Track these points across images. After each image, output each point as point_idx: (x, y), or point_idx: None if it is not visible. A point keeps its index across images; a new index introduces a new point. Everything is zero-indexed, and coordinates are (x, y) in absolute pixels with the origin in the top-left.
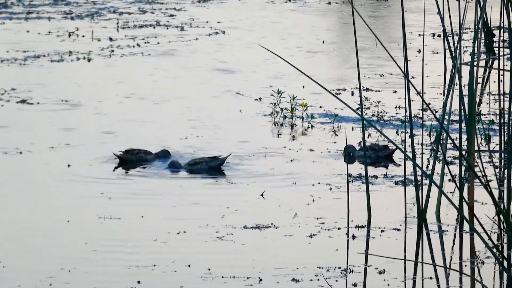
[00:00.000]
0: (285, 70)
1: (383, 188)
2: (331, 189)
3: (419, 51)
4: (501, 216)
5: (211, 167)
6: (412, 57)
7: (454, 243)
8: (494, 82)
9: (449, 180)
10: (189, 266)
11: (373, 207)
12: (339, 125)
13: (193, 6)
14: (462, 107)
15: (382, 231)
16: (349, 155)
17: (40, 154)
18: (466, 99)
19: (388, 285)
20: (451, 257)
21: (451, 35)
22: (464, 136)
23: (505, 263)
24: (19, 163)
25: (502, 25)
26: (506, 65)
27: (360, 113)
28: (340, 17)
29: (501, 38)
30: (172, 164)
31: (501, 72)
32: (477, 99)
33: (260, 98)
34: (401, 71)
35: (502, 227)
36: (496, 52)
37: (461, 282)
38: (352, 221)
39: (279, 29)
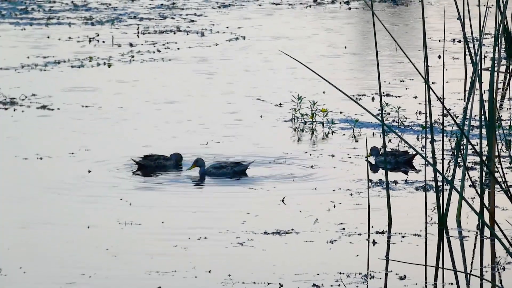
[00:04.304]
0: (305, 75)
1: (404, 194)
2: (351, 194)
3: (439, 57)
4: None
5: (235, 172)
6: (432, 62)
7: (475, 249)
8: None
9: (470, 185)
10: (209, 271)
11: (393, 213)
12: (360, 131)
13: (214, 11)
14: (482, 113)
15: (403, 236)
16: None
17: (60, 159)
18: (486, 105)
19: None
20: (472, 263)
21: (471, 41)
22: (484, 142)
23: None
24: (39, 169)
25: None
26: None
27: (380, 118)
28: (360, 23)
29: None
30: (196, 161)
31: None
32: (498, 105)
33: (280, 104)
34: (421, 77)
35: None
36: None
37: (482, 287)
38: (372, 226)
39: (300, 34)
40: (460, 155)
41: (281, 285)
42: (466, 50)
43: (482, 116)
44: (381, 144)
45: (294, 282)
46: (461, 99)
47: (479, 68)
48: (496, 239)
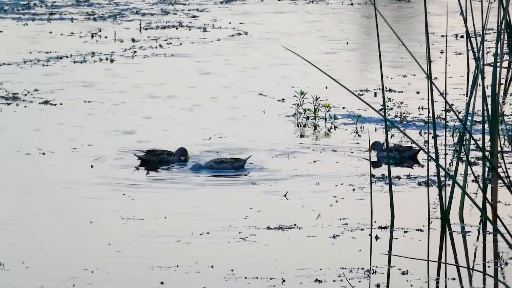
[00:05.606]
0: (308, 71)
1: (406, 189)
2: (354, 189)
3: (442, 52)
4: None
5: (235, 167)
6: (435, 58)
7: (477, 244)
8: None
9: (472, 181)
10: (212, 266)
11: (396, 208)
12: (362, 126)
13: (216, 7)
14: (485, 108)
15: (405, 231)
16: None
17: (62, 155)
18: (489, 100)
19: (411, 285)
20: (474, 258)
21: (474, 36)
22: (487, 137)
23: None
24: (42, 164)
25: None
26: None
27: (383, 114)
28: (363, 18)
29: None
30: (194, 167)
31: None
32: (500, 100)
33: (283, 99)
34: (424, 72)
35: None
36: None
37: (484, 282)
38: (375, 221)
39: (302, 30)
40: (462, 150)
41: (284, 280)
42: (469, 46)
43: (485, 111)
44: (383, 140)
45: (296, 277)
46: (464, 94)
47: (481, 63)
48: (498, 234)
